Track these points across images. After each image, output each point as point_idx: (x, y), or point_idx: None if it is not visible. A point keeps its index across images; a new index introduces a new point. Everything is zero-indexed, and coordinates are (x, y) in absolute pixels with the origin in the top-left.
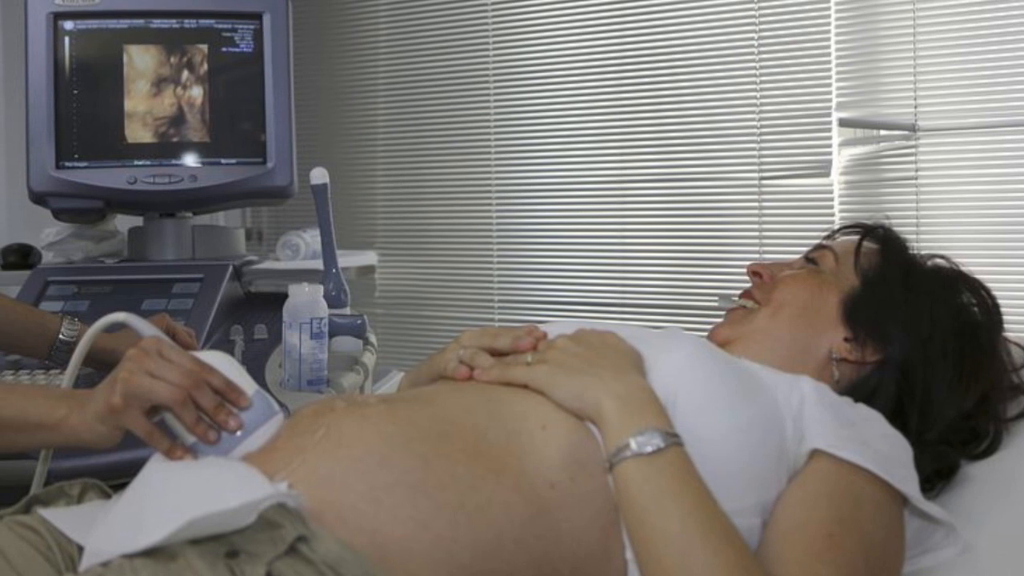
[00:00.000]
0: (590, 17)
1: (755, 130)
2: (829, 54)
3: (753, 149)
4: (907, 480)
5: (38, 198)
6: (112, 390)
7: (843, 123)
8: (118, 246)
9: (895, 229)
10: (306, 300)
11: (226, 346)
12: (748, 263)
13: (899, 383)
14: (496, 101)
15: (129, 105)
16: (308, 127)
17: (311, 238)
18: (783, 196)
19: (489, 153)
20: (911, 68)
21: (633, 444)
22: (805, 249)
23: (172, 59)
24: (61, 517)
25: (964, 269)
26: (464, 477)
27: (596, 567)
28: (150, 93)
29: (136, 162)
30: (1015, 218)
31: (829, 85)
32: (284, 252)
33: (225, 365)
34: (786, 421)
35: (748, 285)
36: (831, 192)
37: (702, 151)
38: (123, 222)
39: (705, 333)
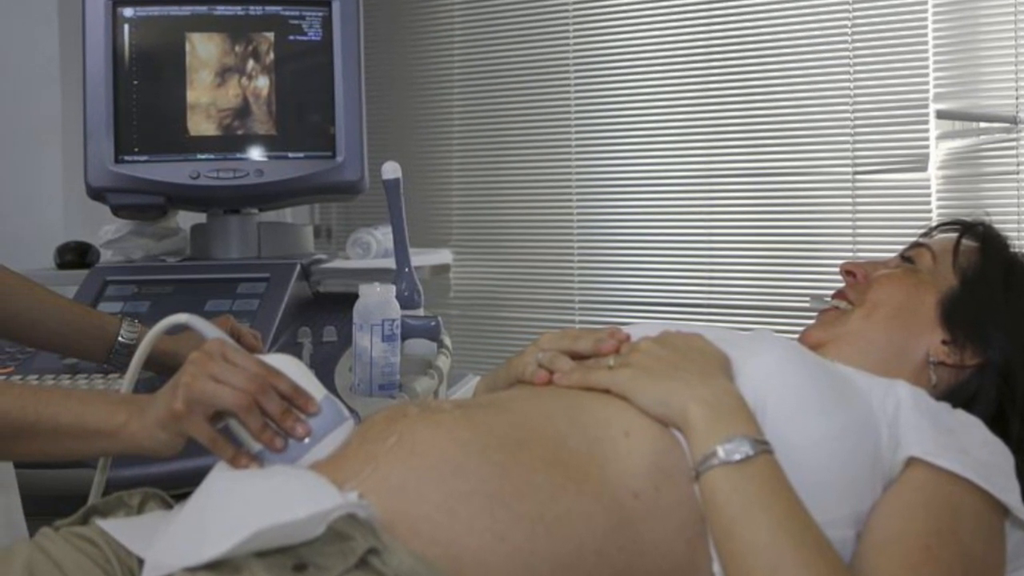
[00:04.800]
0: (676, 3)
1: (849, 122)
2: (926, 43)
3: (847, 142)
4: (1008, 490)
5: (96, 194)
6: (174, 395)
7: (941, 115)
8: (180, 244)
9: (995, 226)
10: (377, 301)
11: (293, 349)
12: (841, 262)
13: (1000, 388)
14: (577, 91)
15: (192, 96)
16: (380, 119)
17: (383, 236)
18: (878, 191)
19: (570, 146)
20: (1012, 57)
21: (721, 452)
22: (901, 247)
23: (237, 48)
24: (120, 528)
25: None
26: (543, 486)
27: None
28: (214, 84)
29: (199, 156)
30: None
31: (926, 75)
32: (354, 250)
33: (292, 369)
34: (881, 427)
35: (841, 285)
36: (928, 187)
37: (793, 144)
38: (185, 219)
39: (796, 335)
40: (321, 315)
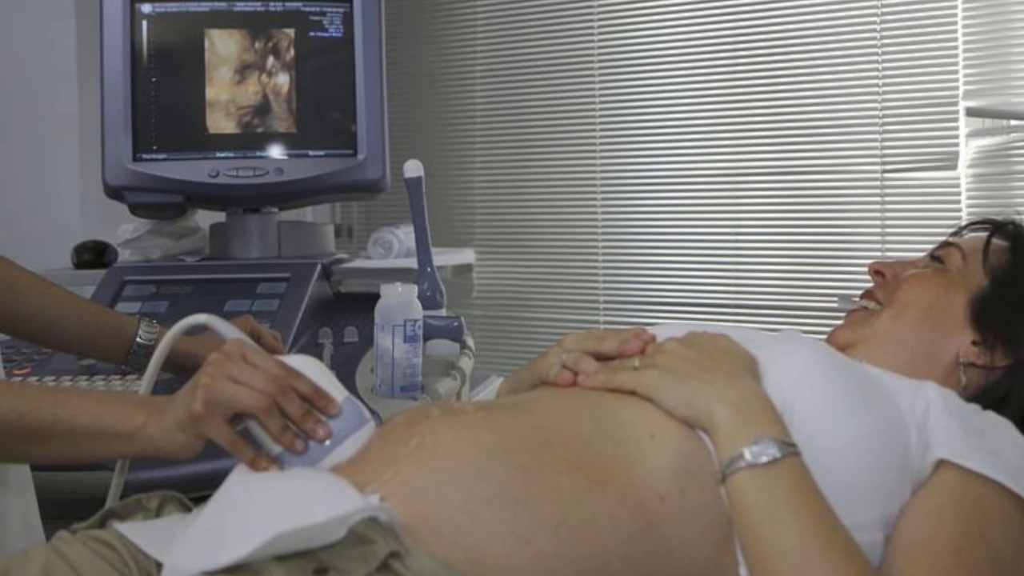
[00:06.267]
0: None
1: (877, 120)
2: (956, 39)
3: (875, 140)
4: None
5: (114, 192)
6: (193, 397)
7: (971, 113)
8: (199, 243)
9: None
10: (399, 301)
11: (314, 350)
12: (870, 261)
13: None
14: (602, 89)
15: (211, 93)
16: (401, 117)
17: (404, 235)
18: (907, 190)
19: (594, 145)
20: None
21: (747, 454)
22: (930, 246)
23: (256, 44)
24: (138, 532)
25: None
26: (567, 489)
27: None
28: (233, 81)
29: (218, 154)
30: None
31: (956, 72)
32: (376, 250)
33: (313, 370)
34: (910, 429)
35: (870, 285)
36: (958, 186)
37: (821, 143)
38: (204, 218)
39: (824, 336)
40: (342, 315)
